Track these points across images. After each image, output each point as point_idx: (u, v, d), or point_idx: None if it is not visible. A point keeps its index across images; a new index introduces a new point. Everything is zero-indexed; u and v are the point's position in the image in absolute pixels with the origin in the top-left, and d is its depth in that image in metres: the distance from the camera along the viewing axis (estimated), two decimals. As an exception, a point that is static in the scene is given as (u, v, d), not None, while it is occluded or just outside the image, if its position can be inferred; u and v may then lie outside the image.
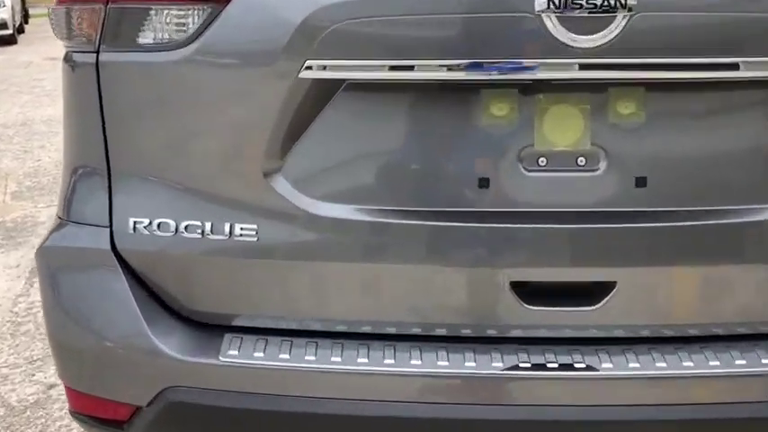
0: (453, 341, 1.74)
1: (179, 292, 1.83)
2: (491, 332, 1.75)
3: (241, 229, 1.73)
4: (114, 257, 1.80)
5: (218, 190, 1.74)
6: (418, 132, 1.69)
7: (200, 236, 1.75)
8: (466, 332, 1.76)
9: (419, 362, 1.70)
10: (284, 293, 1.79)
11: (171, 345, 1.78)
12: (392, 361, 1.70)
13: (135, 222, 1.78)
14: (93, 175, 1.82)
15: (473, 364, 1.69)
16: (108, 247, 1.80)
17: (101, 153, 1.79)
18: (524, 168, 1.67)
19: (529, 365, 1.68)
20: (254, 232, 1.73)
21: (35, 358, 3.55)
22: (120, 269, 1.81)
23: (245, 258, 1.75)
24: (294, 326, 1.80)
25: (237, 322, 1.83)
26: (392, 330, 1.77)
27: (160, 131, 1.75)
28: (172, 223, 1.76)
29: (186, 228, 1.75)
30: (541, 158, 1.67)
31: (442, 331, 1.76)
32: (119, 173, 1.79)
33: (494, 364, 1.69)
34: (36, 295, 4.01)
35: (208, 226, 1.74)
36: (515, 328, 1.74)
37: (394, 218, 1.69)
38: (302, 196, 1.70)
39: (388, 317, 1.76)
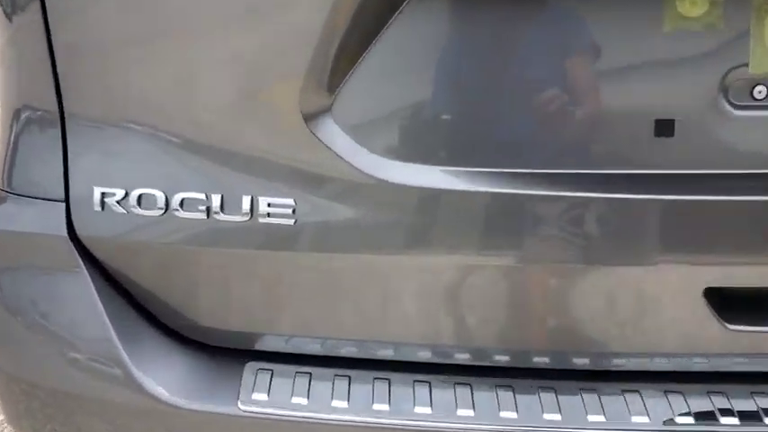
0: (606, 379, 1.12)
1: (174, 301, 1.20)
2: (666, 365, 1.12)
3: (269, 205, 1.09)
4: (74, 248, 1.18)
5: (233, 144, 1.09)
6: (557, 46, 1.04)
7: (203, 215, 1.11)
8: (620, 364, 1.13)
9: (558, 416, 1.07)
10: (335, 303, 1.16)
11: (164, 382, 1.17)
12: (514, 415, 1.08)
13: (104, 195, 1.14)
14: (39, 123, 1.18)
15: (644, 419, 1.06)
16: (64, 232, 1.17)
17: (48, 90, 1.15)
18: (731, 104, 1.03)
19: (735, 420, 1.06)
20: (291, 210, 1.09)
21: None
22: (83, 266, 1.19)
23: (275, 250, 1.12)
24: (351, 352, 1.18)
25: (264, 345, 1.21)
26: (502, 360, 1.15)
27: (138, 53, 1.11)
28: (160, 196, 1.12)
29: (182, 203, 1.12)
30: (759, 88, 1.02)
31: (583, 363, 1.13)
32: (77, 119, 1.15)
33: (679, 419, 1.06)
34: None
35: (216, 200, 1.11)
36: (709, 359, 1.11)
37: (515, 186, 1.04)
38: (364, 152, 1.07)
39: (499, 342, 1.13)
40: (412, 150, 1.06)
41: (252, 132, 1.08)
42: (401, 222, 1.07)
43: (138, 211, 1.13)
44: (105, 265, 1.19)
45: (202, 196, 1.11)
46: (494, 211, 1.05)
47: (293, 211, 1.09)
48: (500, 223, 1.06)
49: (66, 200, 1.17)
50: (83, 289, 1.19)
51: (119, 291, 1.21)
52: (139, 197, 1.13)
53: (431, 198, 1.06)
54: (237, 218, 1.10)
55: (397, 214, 1.07)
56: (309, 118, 1.06)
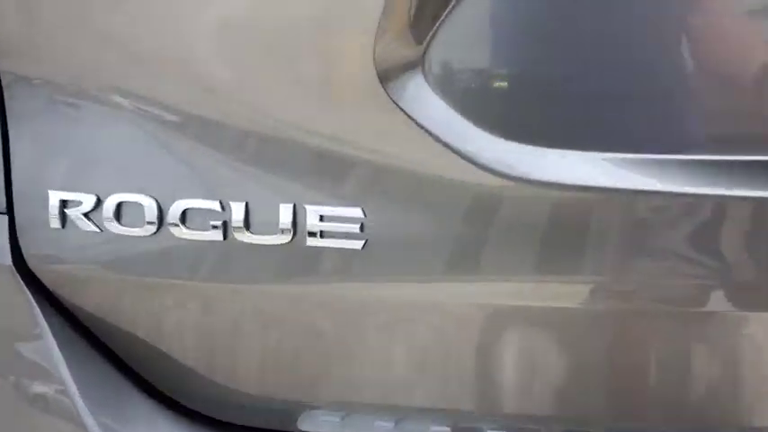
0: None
1: (175, 362, 0.80)
2: None
3: (322, 218, 0.69)
4: (23, 284, 0.78)
5: (264, 123, 0.69)
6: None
7: (218, 234, 0.71)
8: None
9: None
10: (428, 364, 0.74)
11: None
12: None
13: (64, 204, 0.74)
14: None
15: None
16: (7, 259, 0.78)
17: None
18: None
19: None
20: (357, 226, 0.68)
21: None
22: (37, 311, 0.79)
23: (332, 286, 0.71)
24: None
25: (309, 425, 0.80)
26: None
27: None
28: (150, 205, 0.72)
29: (185, 216, 0.72)
30: None
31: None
32: (21, 87, 0.75)
33: None
34: None
35: (237, 212, 0.70)
36: None
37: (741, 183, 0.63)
38: (475, 131, 0.66)
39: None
40: (559, 129, 0.65)
41: (296, 103, 0.68)
42: (541, 244, 0.66)
43: (117, 227, 0.73)
44: (71, 309, 0.79)
45: (216, 205, 0.71)
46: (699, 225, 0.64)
47: (361, 228, 0.68)
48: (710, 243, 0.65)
49: (9, 211, 0.77)
50: (38, 343, 0.79)
51: (92, 345, 0.81)
52: (118, 207, 0.73)
53: (591, 204, 0.65)
54: (272, 239, 0.70)
55: (535, 230, 0.66)
56: (388, 78, 0.65)
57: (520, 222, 0.65)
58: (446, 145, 0.65)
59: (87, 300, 0.78)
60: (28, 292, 0.78)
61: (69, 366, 0.78)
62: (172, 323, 0.78)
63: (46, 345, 0.78)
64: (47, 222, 0.75)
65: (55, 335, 0.79)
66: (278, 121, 0.69)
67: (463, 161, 0.65)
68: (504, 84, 0.65)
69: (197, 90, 0.70)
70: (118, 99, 0.73)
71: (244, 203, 0.70)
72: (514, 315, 0.69)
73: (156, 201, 0.72)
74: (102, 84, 0.73)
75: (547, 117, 0.65)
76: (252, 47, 0.67)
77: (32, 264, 0.77)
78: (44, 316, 0.79)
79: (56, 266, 0.77)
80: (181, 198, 0.71)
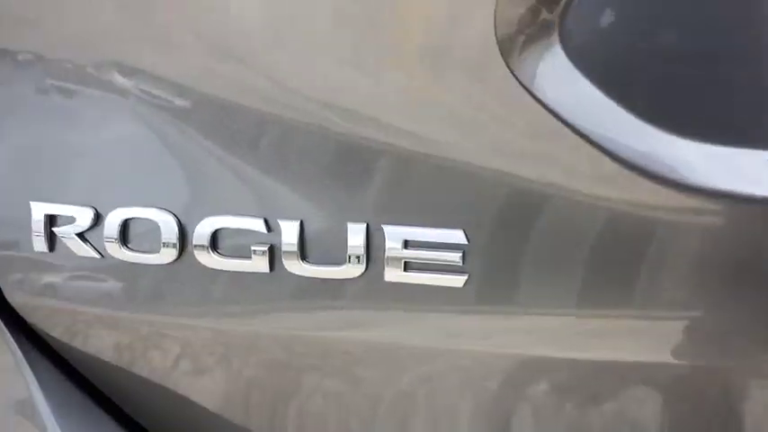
0: None
1: (197, 419, 0.61)
2: None
3: (406, 244, 0.49)
4: (1, 324, 0.59)
5: (323, 113, 0.49)
6: None
7: (262, 263, 0.52)
8: None
9: None
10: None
11: None
12: None
13: (52, 220, 0.55)
14: None
15: None
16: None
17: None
18: None
19: None
20: (458, 254, 0.49)
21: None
22: (21, 360, 0.61)
23: (417, 333, 0.52)
24: None
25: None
26: None
27: None
28: (167, 223, 0.53)
29: (216, 238, 0.52)
30: None
31: None
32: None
33: None
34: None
35: (288, 233, 0.51)
36: None
37: None
38: (649, 130, 0.45)
39: None
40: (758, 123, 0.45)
41: (373, 82, 0.48)
42: (746, 284, 0.47)
43: (123, 252, 0.54)
44: (61, 353, 0.61)
45: (259, 225, 0.51)
46: None
47: (462, 258, 0.49)
48: None
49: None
50: (23, 403, 0.60)
51: (89, 396, 0.62)
52: (124, 225, 0.54)
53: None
54: (337, 271, 0.51)
55: (739, 264, 0.46)
56: (512, 50, 0.45)
57: (714, 253, 0.46)
58: (596, 144, 0.45)
59: (82, 343, 0.59)
60: (7, 333, 0.60)
61: (61, 426, 0.60)
62: (192, 373, 0.59)
63: (30, 401, 0.60)
64: (29, 244, 0.56)
65: (45, 390, 0.60)
66: (346, 110, 0.49)
67: (622, 167, 0.45)
68: (687, 63, 0.45)
69: (234, 67, 0.50)
70: (124, 80, 0.53)
71: (298, 223, 0.51)
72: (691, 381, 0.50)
73: (177, 218, 0.53)
74: (104, 59, 0.53)
75: (749, 105, 0.45)
76: (312, 6, 0.48)
77: (12, 297, 0.59)
78: (29, 365, 0.60)
79: (41, 301, 0.58)
80: (211, 215, 0.52)
